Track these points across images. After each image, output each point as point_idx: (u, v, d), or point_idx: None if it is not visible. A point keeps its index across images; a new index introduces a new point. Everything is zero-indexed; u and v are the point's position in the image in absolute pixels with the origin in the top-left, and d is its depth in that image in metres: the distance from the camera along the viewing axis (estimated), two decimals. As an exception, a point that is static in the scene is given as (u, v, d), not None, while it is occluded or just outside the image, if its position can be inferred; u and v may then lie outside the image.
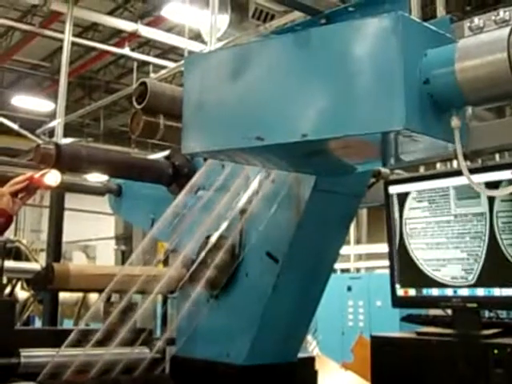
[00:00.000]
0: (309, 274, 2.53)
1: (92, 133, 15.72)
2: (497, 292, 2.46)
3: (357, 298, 9.33)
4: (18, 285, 6.14)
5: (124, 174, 3.06)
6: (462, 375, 2.38)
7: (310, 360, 2.82)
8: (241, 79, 1.82)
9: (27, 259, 6.20)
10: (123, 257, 7.26)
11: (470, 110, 1.86)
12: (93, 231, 13.32)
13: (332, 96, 1.65)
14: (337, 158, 1.96)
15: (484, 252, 2.50)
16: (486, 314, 2.85)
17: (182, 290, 2.69)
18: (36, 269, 4.96)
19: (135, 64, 12.46)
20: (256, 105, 1.79)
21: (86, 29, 12.52)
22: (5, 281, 5.57)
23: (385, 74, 1.55)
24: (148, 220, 3.09)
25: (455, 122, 1.62)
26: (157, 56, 12.68)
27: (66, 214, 4.60)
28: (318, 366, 2.79)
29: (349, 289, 9.50)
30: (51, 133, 10.53)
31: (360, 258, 14.31)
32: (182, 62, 7.82)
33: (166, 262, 2.98)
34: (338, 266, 11.81)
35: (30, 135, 12.12)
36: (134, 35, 10.97)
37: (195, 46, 9.05)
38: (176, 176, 2.91)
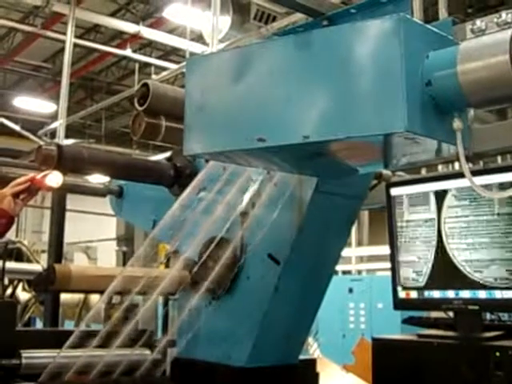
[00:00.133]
0: (310, 276, 2.53)
1: (93, 134, 15.74)
2: (498, 294, 2.46)
3: (358, 300, 9.34)
4: (20, 286, 6.15)
5: (125, 176, 3.06)
6: (463, 378, 2.37)
7: (312, 362, 2.81)
8: (242, 81, 1.82)
9: (28, 260, 6.21)
10: (124, 258, 7.26)
11: (471, 112, 1.86)
12: (94, 232, 13.33)
13: (334, 98, 1.65)
14: (338, 160, 1.95)
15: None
16: (488, 316, 2.85)
17: (184, 291, 2.68)
18: (37, 270, 4.98)
19: (137, 65, 12.49)
20: (258, 106, 1.79)
21: (87, 30, 12.54)
22: (6, 282, 5.58)
23: (387, 75, 1.55)
24: (149, 221, 3.09)
25: (457, 124, 1.62)
26: (158, 57, 12.69)
27: (68, 215, 4.60)
28: (319, 368, 2.79)
29: (350, 291, 9.51)
30: (53, 134, 10.55)
31: (361, 260, 14.31)
32: (184, 63, 7.82)
33: (167, 264, 2.98)
34: (339, 267, 11.82)
35: (31, 136, 12.16)
36: (135, 37, 10.99)
37: (197, 48, 9.07)
38: (177, 177, 2.91)
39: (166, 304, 2.99)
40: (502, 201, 2.48)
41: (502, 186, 2.44)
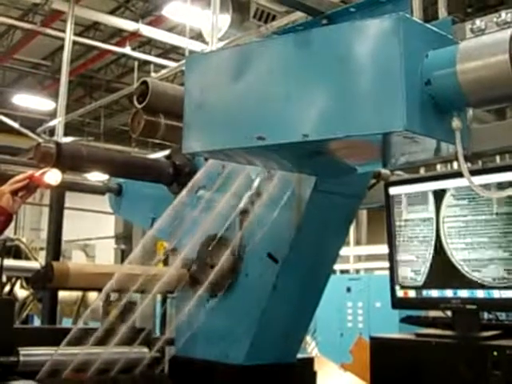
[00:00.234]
0: (308, 274, 2.53)
1: (92, 132, 15.74)
2: (496, 294, 2.46)
3: (356, 299, 9.35)
4: (18, 283, 6.15)
5: (124, 174, 3.06)
6: (461, 377, 2.38)
7: (309, 361, 2.81)
8: (242, 79, 1.82)
9: (27, 258, 6.20)
10: (123, 256, 7.26)
11: (470, 111, 1.86)
12: (93, 230, 13.32)
13: (333, 97, 1.65)
14: (337, 159, 1.95)
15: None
16: (486, 315, 2.85)
17: (182, 289, 2.68)
18: (35, 267, 4.97)
19: (136, 63, 12.48)
20: (257, 105, 1.79)
21: (87, 28, 12.53)
22: (4, 279, 5.58)
23: (386, 74, 1.55)
24: (148, 219, 3.09)
25: (456, 123, 1.62)
26: (158, 55, 12.69)
27: (66, 212, 4.60)
28: (316, 366, 2.79)
29: (348, 290, 9.51)
30: (52, 131, 10.55)
31: (359, 259, 14.33)
32: (183, 61, 7.81)
33: (165, 262, 2.98)
34: (337, 266, 11.82)
35: (30, 134, 12.15)
36: (135, 34, 10.99)
37: (196, 46, 9.07)
38: (176, 175, 2.91)
39: (164, 302, 2.99)
40: (501, 200, 2.48)
41: (501, 186, 2.44)
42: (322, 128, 1.65)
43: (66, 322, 6.18)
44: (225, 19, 7.24)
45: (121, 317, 2.62)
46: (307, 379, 2.72)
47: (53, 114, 11.43)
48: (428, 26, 1.69)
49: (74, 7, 9.33)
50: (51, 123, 11.03)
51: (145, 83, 2.71)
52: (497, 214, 2.50)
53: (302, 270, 2.50)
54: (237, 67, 1.85)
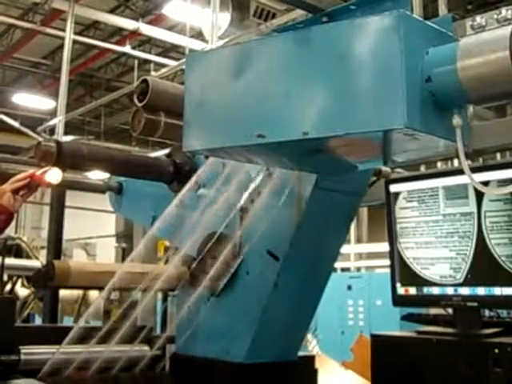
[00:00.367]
0: (309, 272, 2.53)
1: (93, 131, 15.74)
2: (497, 291, 2.46)
3: (357, 297, 9.35)
4: (19, 282, 6.15)
5: (125, 172, 3.06)
6: (462, 374, 2.38)
7: (310, 359, 2.82)
8: (242, 77, 1.82)
9: (28, 256, 6.21)
10: (124, 254, 7.26)
11: (471, 108, 1.86)
12: (93, 229, 13.32)
13: (333, 94, 1.65)
14: (338, 157, 1.95)
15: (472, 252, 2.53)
16: (487, 313, 2.85)
17: (183, 287, 2.69)
18: (36, 266, 4.97)
19: (136, 62, 12.48)
20: (257, 102, 1.79)
21: (87, 27, 12.52)
22: (5, 278, 5.58)
23: (386, 72, 1.55)
24: (149, 218, 3.08)
25: (457, 120, 1.62)
26: (158, 54, 12.68)
27: (67, 211, 4.60)
28: (317, 364, 2.79)
29: (349, 288, 9.51)
30: (52, 130, 10.54)
31: (360, 257, 14.32)
32: (183, 60, 7.81)
33: (167, 260, 2.98)
34: (338, 264, 11.81)
35: (30, 133, 12.15)
36: (135, 33, 10.98)
37: (196, 45, 9.07)
38: (177, 174, 2.91)
39: (164, 300, 2.99)
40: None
41: (501, 183, 2.44)
42: (322, 126, 1.65)
43: (67, 321, 6.19)
44: (225, 17, 7.24)
45: (122, 315, 2.62)
46: (308, 377, 2.72)
47: (53, 113, 11.43)
48: (428, 23, 1.69)
49: (74, 6, 9.33)
50: (51, 122, 11.02)
51: (145, 82, 2.71)
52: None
53: (302, 267, 2.50)
54: (237, 65, 1.85)
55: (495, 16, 1.84)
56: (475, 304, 2.54)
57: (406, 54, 1.54)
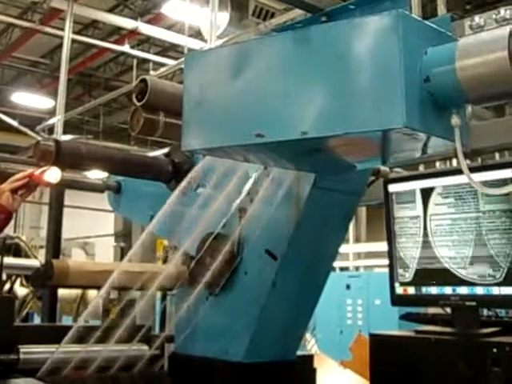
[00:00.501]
0: (308, 272, 2.53)
1: (91, 130, 15.73)
2: (496, 291, 2.46)
3: (356, 296, 9.34)
4: (18, 281, 6.16)
5: (123, 171, 3.06)
6: (460, 374, 2.38)
7: (309, 358, 2.82)
8: (241, 76, 1.82)
9: (26, 256, 6.21)
10: (122, 254, 7.26)
11: (469, 108, 1.86)
12: (92, 228, 13.32)
13: (332, 94, 1.65)
14: (336, 156, 1.96)
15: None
16: (485, 312, 2.85)
17: (181, 287, 2.69)
18: (35, 265, 4.97)
19: (135, 61, 12.46)
20: (256, 102, 1.79)
21: (85, 26, 12.51)
22: (4, 277, 5.59)
23: (385, 71, 1.55)
24: (147, 217, 3.08)
25: (455, 120, 1.62)
26: (157, 53, 12.67)
27: (66, 210, 4.60)
28: (316, 364, 2.80)
29: (348, 287, 9.51)
30: (51, 130, 10.54)
31: (359, 256, 14.32)
32: (182, 59, 7.81)
33: (165, 260, 2.98)
34: (336, 264, 11.82)
35: (29, 132, 12.15)
36: (133, 32, 10.97)
37: (195, 44, 9.05)
38: (175, 173, 2.91)
39: (163, 299, 2.99)
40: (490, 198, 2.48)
41: (500, 183, 2.44)
42: (321, 125, 1.65)
43: (66, 320, 6.19)
44: (223, 17, 7.24)
45: (120, 314, 2.62)
46: (307, 376, 2.73)
47: (52, 112, 11.42)
48: (427, 22, 1.70)
49: (73, 5, 9.31)
50: (50, 121, 11.02)
51: (144, 81, 2.71)
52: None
53: (301, 267, 2.50)
54: (236, 65, 1.85)
55: (494, 16, 1.84)
56: (474, 303, 2.54)
57: (405, 53, 1.54)
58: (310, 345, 8.40)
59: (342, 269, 13.15)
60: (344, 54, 1.63)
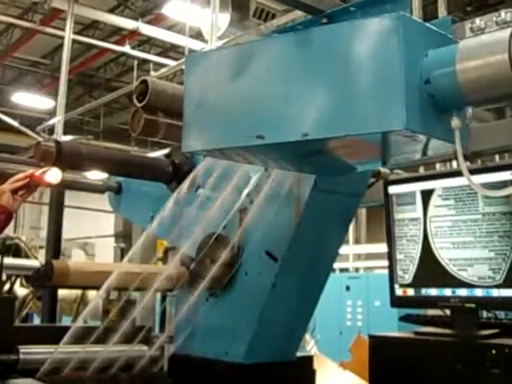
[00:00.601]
0: (308, 273, 2.54)
1: (92, 130, 15.73)
2: (495, 293, 2.46)
3: (355, 297, 9.34)
4: (18, 281, 6.16)
5: (124, 172, 3.06)
6: (459, 375, 2.38)
7: (308, 359, 2.82)
8: (242, 78, 1.82)
9: (26, 256, 6.22)
10: (122, 254, 7.26)
11: (470, 110, 1.86)
12: (92, 229, 13.32)
13: (333, 95, 1.65)
14: (337, 158, 1.96)
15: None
16: (484, 314, 2.85)
17: (181, 288, 2.69)
18: (35, 266, 4.97)
19: (135, 62, 12.47)
20: (257, 104, 1.80)
21: (86, 26, 12.51)
22: (4, 277, 5.59)
23: (386, 73, 1.55)
24: (147, 218, 3.09)
25: (456, 122, 1.62)
26: (157, 54, 12.68)
27: (66, 211, 4.60)
28: (316, 365, 2.80)
29: (347, 288, 9.51)
30: (51, 130, 10.53)
31: (359, 257, 14.31)
32: (183, 60, 7.81)
33: (164, 260, 2.98)
34: (336, 265, 11.81)
35: (30, 132, 12.15)
36: (134, 33, 10.98)
37: (196, 45, 9.06)
38: (176, 174, 2.91)
39: (163, 300, 2.99)
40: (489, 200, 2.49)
41: (500, 185, 2.44)
42: (321, 127, 1.65)
43: (66, 321, 6.19)
44: (224, 18, 7.23)
45: (120, 315, 2.62)
46: (306, 377, 2.73)
47: (52, 113, 11.43)
48: (428, 25, 1.70)
49: (74, 6, 9.32)
50: (51, 122, 11.02)
51: (144, 82, 2.71)
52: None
53: (301, 268, 2.50)
54: (236, 66, 1.85)
55: (494, 18, 1.84)
56: (473, 305, 2.54)
57: (406, 55, 1.54)
58: (310, 346, 8.38)
59: (342, 270, 13.14)
60: (345, 56, 1.63)
